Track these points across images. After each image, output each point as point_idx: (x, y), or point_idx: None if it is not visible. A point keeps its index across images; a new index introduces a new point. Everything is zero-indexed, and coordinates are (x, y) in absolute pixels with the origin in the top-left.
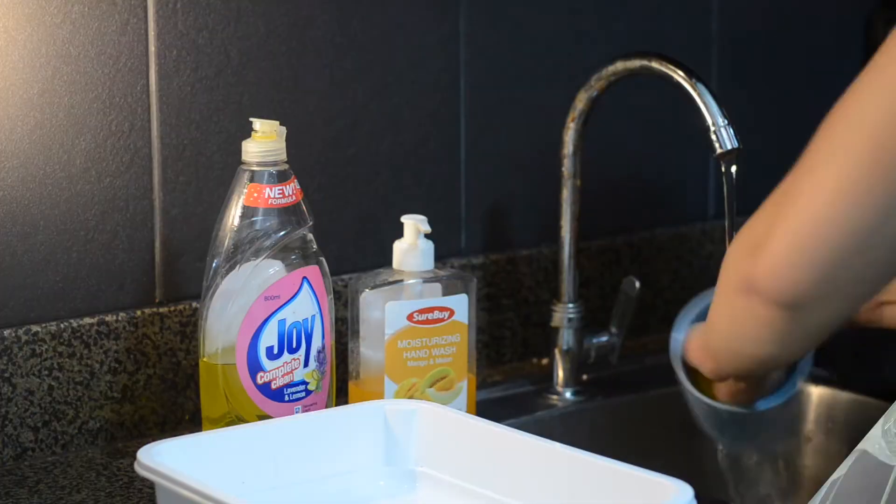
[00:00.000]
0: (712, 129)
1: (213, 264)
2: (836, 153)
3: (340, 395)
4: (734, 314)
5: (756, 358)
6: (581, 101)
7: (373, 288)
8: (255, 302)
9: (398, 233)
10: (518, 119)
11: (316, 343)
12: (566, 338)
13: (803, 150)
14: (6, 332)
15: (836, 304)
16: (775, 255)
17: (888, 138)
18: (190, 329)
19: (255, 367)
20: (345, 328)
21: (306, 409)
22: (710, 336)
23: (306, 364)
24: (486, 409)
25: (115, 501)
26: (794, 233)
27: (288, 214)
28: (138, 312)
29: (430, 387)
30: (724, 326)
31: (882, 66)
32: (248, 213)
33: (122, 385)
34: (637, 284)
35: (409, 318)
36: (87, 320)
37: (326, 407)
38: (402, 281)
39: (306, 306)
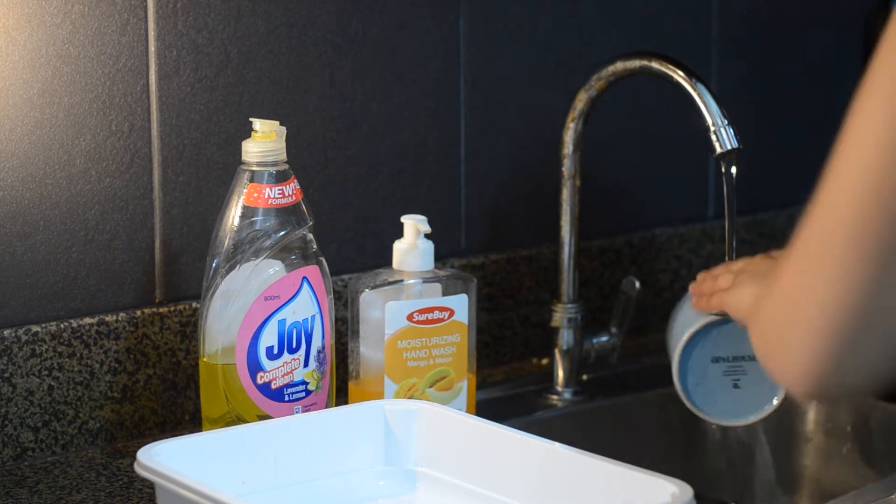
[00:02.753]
0: (712, 129)
1: (213, 264)
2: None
3: (340, 395)
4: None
5: None
6: (581, 101)
7: (373, 288)
8: (255, 302)
9: (398, 233)
10: (518, 119)
11: (316, 343)
12: (566, 338)
13: (803, 149)
14: (6, 332)
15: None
16: (804, 353)
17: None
18: (190, 329)
19: (255, 367)
20: (345, 328)
21: (306, 409)
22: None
23: (306, 364)
24: (486, 409)
25: (115, 501)
26: (823, 320)
27: (288, 214)
28: (138, 312)
29: (430, 387)
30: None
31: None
32: (248, 213)
33: (122, 385)
34: (637, 284)
35: (409, 318)
36: (87, 320)
37: (326, 407)
38: (402, 281)
39: (306, 306)
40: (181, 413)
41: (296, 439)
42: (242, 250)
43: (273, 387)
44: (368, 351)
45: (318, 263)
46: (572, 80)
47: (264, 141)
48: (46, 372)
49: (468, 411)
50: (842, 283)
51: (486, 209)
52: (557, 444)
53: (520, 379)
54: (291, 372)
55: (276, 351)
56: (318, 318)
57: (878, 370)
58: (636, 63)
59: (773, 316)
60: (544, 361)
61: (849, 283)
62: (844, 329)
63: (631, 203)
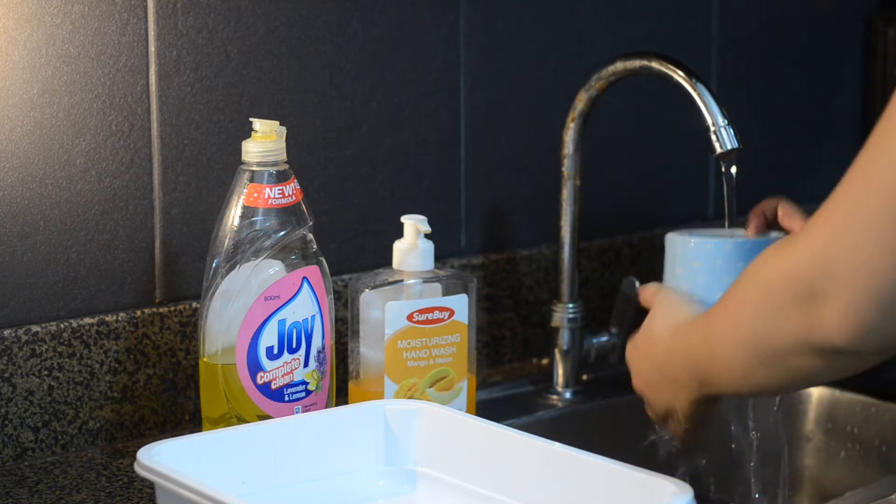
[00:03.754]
0: (712, 129)
1: (213, 264)
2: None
3: (340, 395)
4: (786, 372)
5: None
6: (581, 101)
7: (373, 288)
8: (255, 302)
9: (398, 233)
10: (518, 119)
11: (316, 343)
12: (566, 338)
13: (803, 149)
14: (6, 332)
15: None
16: (849, 307)
17: None
18: (190, 329)
19: (255, 367)
20: (345, 328)
21: (306, 409)
22: (717, 372)
23: (306, 364)
24: (486, 409)
25: (115, 501)
26: (868, 277)
27: (288, 214)
28: (138, 312)
29: (430, 387)
30: (764, 377)
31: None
32: (248, 213)
33: (122, 385)
34: (637, 284)
35: (409, 318)
36: (87, 320)
37: (326, 407)
38: (402, 281)
39: (306, 306)
40: (181, 413)
41: (296, 439)
42: (242, 250)
43: (273, 387)
44: (368, 351)
45: (318, 263)
46: (572, 80)
47: (264, 141)
48: (46, 372)
49: (468, 411)
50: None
51: (486, 209)
52: (557, 444)
53: (520, 379)
54: (291, 372)
55: (276, 351)
56: (318, 318)
57: None
58: (636, 63)
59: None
60: (544, 361)
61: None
62: (888, 290)
63: (631, 203)
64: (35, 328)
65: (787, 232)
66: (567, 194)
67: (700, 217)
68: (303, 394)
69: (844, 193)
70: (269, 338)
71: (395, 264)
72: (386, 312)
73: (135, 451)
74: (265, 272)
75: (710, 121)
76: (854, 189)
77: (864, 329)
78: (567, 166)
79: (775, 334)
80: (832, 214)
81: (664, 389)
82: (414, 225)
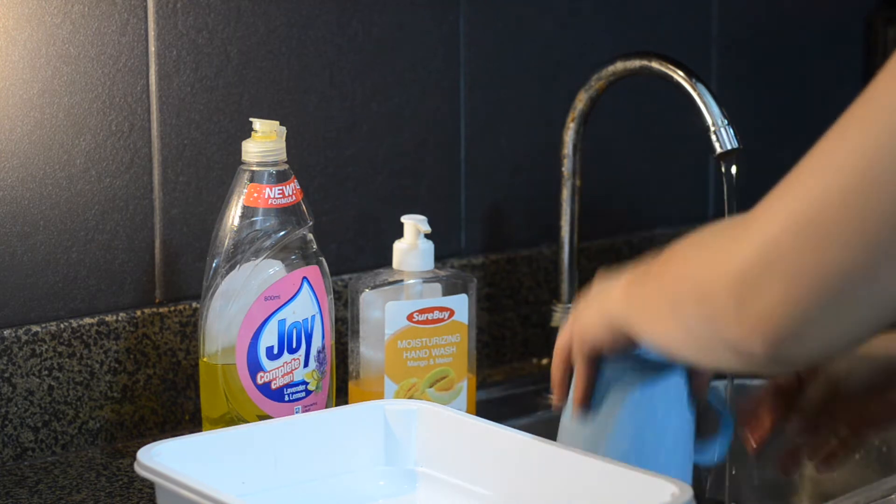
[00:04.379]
0: (712, 129)
1: (213, 264)
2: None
3: (340, 395)
4: (707, 353)
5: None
6: (581, 101)
7: (373, 288)
8: (255, 302)
9: (398, 233)
10: (518, 119)
11: (316, 343)
12: None
13: (803, 149)
14: (6, 332)
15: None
16: (776, 317)
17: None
18: (190, 329)
19: (255, 367)
20: (345, 328)
21: (306, 409)
22: (636, 321)
23: (306, 364)
24: (486, 409)
25: (115, 501)
26: (802, 280)
27: (288, 214)
28: (138, 312)
29: (430, 387)
30: (681, 343)
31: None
32: (248, 213)
33: (122, 385)
34: None
35: (409, 318)
36: (87, 320)
37: (326, 407)
38: (402, 281)
39: (306, 306)
40: (181, 413)
41: (296, 439)
42: (242, 250)
43: (273, 387)
44: (368, 351)
45: (318, 263)
46: (572, 80)
47: (264, 141)
48: (46, 372)
49: (468, 411)
50: (852, 251)
51: (486, 209)
52: (557, 444)
53: (520, 379)
54: (291, 372)
55: (276, 351)
56: (318, 318)
57: (845, 343)
58: (636, 63)
59: (743, 270)
60: (544, 361)
61: (860, 250)
62: (830, 296)
63: (631, 203)
64: (35, 328)
65: None
66: (567, 194)
67: (700, 217)
68: (303, 394)
69: (808, 175)
70: (269, 338)
71: (395, 264)
72: (386, 312)
73: (135, 451)
74: (265, 272)
75: (710, 121)
76: (819, 173)
77: (782, 342)
78: (567, 166)
79: (696, 318)
80: (791, 197)
81: (586, 307)
82: (414, 225)
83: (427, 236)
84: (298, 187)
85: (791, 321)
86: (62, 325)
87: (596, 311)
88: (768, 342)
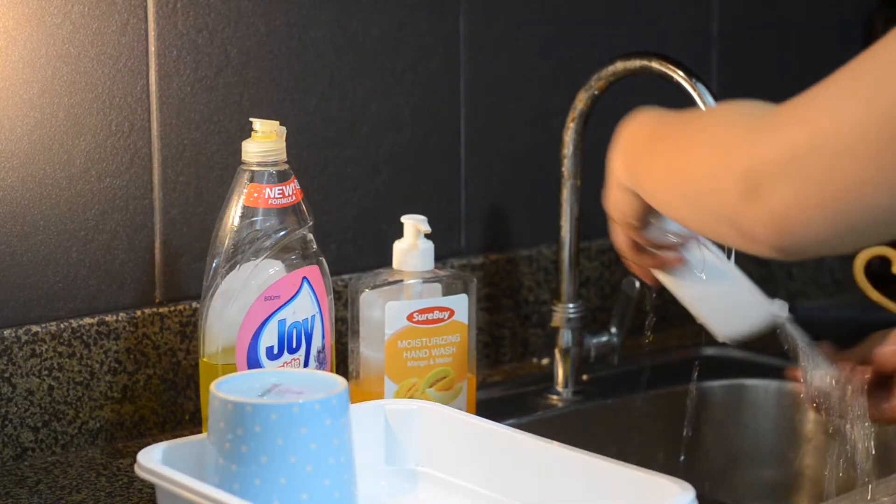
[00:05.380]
0: None
1: (213, 264)
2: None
3: None
4: (711, 228)
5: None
6: (581, 101)
7: (373, 288)
8: (255, 302)
9: (398, 233)
10: (518, 119)
11: (316, 343)
12: (566, 338)
13: None
14: (6, 332)
15: (843, 246)
16: (785, 215)
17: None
18: (190, 329)
19: (255, 367)
20: (345, 328)
21: None
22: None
23: (306, 364)
24: (486, 409)
25: (115, 501)
26: (813, 189)
27: (288, 214)
28: (138, 312)
29: (430, 387)
30: (685, 212)
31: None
32: (248, 213)
33: (122, 385)
34: (637, 284)
35: (409, 318)
36: (87, 320)
37: None
38: (402, 281)
39: (306, 306)
40: (181, 413)
41: None
42: (242, 250)
43: None
44: (368, 351)
45: (318, 263)
46: (572, 80)
47: (264, 141)
48: (46, 372)
49: (468, 411)
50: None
51: (486, 209)
52: (557, 444)
53: (520, 379)
54: None
55: (276, 351)
56: (318, 318)
57: (842, 246)
58: (636, 63)
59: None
60: (544, 361)
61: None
62: (837, 207)
63: None
64: (35, 328)
65: None
66: (567, 194)
67: None
68: None
69: (837, 94)
70: (269, 338)
71: (395, 264)
72: (386, 312)
73: (135, 452)
74: (265, 272)
75: None
76: (849, 97)
77: (786, 237)
78: (567, 166)
79: (709, 199)
80: (819, 111)
81: (607, 188)
82: (414, 225)
83: (427, 236)
84: (298, 187)
85: (797, 222)
86: (62, 325)
87: (615, 187)
88: (773, 234)
